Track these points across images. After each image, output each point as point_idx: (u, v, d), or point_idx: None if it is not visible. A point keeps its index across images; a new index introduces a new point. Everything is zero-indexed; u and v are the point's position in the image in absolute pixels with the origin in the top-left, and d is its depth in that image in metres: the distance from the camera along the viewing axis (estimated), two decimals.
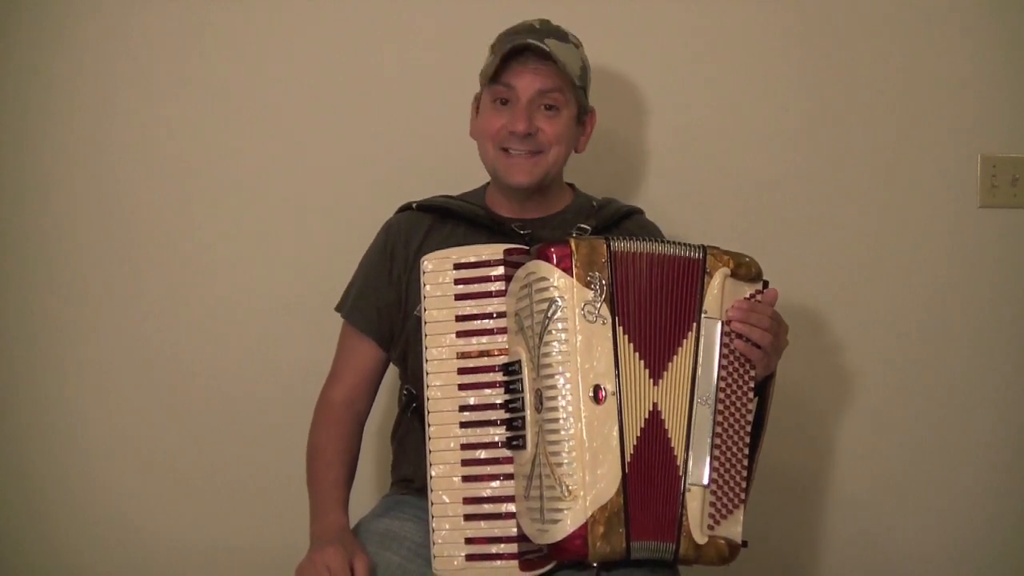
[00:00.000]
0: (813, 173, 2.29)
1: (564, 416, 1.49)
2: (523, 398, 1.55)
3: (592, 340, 1.51)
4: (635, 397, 1.52)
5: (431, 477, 1.59)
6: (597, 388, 1.50)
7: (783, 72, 2.28)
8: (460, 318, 1.61)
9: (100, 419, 2.24)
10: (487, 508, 1.57)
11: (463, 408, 1.60)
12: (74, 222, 2.23)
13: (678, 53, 2.28)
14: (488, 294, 1.61)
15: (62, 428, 2.24)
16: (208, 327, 2.24)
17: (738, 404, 1.57)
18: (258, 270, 2.24)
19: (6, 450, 2.23)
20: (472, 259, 1.62)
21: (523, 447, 1.54)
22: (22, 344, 2.23)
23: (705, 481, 1.53)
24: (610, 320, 1.52)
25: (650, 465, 1.52)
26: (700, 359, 1.55)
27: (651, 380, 1.53)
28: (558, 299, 1.51)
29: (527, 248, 1.60)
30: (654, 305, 1.55)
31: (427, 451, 1.60)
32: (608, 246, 1.54)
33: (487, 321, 1.60)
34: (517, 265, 1.58)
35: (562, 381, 1.50)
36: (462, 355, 1.61)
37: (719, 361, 1.56)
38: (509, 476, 1.57)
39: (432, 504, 1.59)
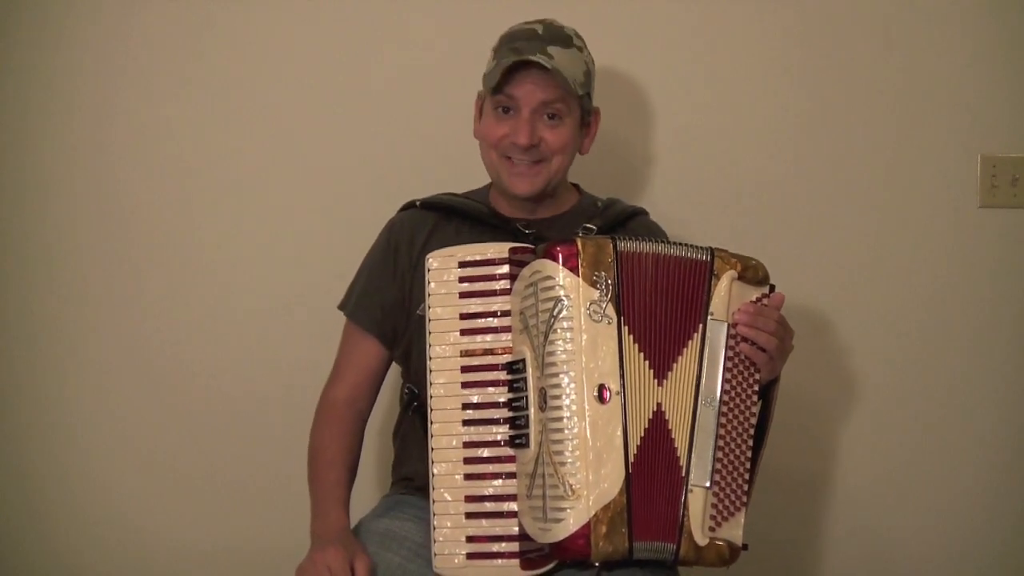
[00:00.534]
0: (813, 173, 2.29)
1: (568, 415, 1.49)
2: (527, 397, 1.54)
3: (597, 339, 1.50)
4: (639, 397, 1.52)
5: (433, 475, 1.59)
6: (602, 387, 1.50)
7: (783, 72, 2.28)
8: (464, 316, 1.61)
9: (100, 419, 2.24)
10: (489, 507, 1.57)
11: (466, 406, 1.60)
12: (74, 222, 2.23)
13: (677, 53, 2.27)
14: (493, 292, 1.60)
15: (62, 428, 2.24)
16: (208, 327, 2.24)
17: (742, 407, 1.57)
18: (258, 270, 2.24)
19: (6, 450, 2.24)
20: (477, 257, 1.62)
21: (526, 446, 1.54)
22: (22, 344, 2.23)
23: (707, 483, 1.53)
24: (615, 320, 1.51)
25: (653, 465, 1.51)
26: (705, 361, 1.55)
27: (656, 380, 1.53)
28: (564, 298, 1.51)
29: (532, 247, 1.60)
30: (660, 306, 1.55)
31: (429, 448, 1.60)
32: (614, 246, 1.54)
33: (491, 319, 1.60)
34: (522, 264, 1.58)
35: (566, 380, 1.50)
36: (466, 353, 1.60)
37: (724, 364, 1.56)
38: (511, 475, 1.57)
39: (434, 502, 1.58)
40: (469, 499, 1.57)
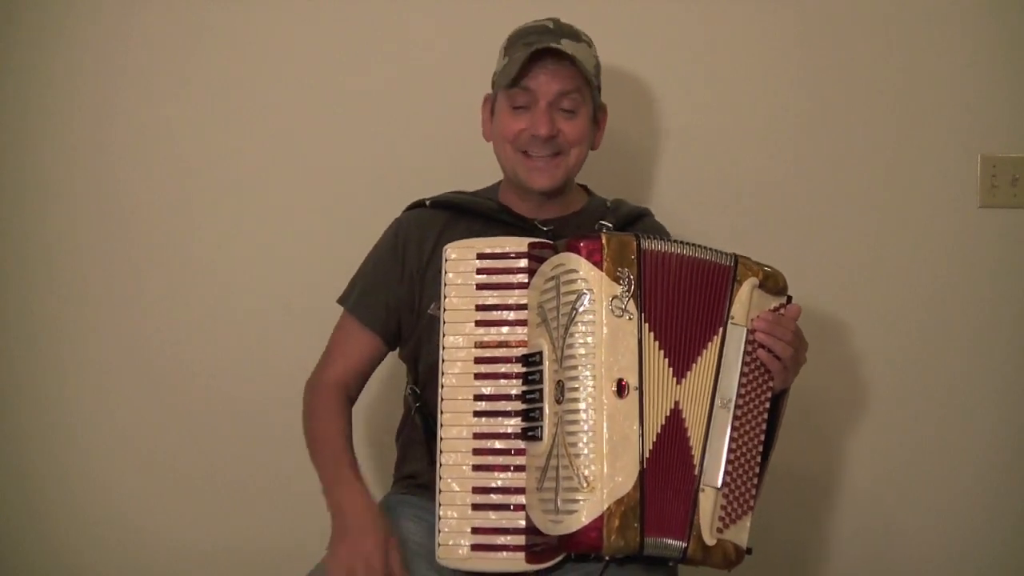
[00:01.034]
0: (813, 173, 2.29)
1: (585, 407, 1.49)
2: (542, 389, 1.54)
3: (618, 334, 1.51)
4: (657, 393, 1.52)
5: (440, 465, 1.58)
6: (620, 381, 1.50)
7: (783, 72, 2.28)
8: (480, 308, 1.61)
9: (100, 419, 2.24)
10: (495, 499, 1.56)
11: (478, 398, 1.59)
12: (74, 222, 2.23)
13: (678, 53, 2.28)
14: (510, 286, 1.60)
15: (62, 428, 2.24)
16: (208, 327, 2.24)
17: (754, 413, 1.57)
18: (258, 270, 2.24)
19: (6, 450, 2.23)
20: (496, 250, 1.62)
21: (539, 438, 1.54)
22: (22, 344, 2.23)
23: (719, 483, 1.53)
24: (636, 316, 1.52)
25: (668, 462, 1.51)
26: (723, 363, 1.56)
27: (674, 378, 1.54)
28: (586, 291, 1.51)
29: (551, 243, 1.60)
30: (681, 306, 1.55)
31: (438, 439, 1.59)
32: (638, 244, 1.54)
33: (507, 312, 1.60)
34: (540, 259, 1.58)
35: (586, 372, 1.50)
36: (480, 344, 1.60)
37: (741, 368, 1.56)
38: (520, 468, 1.56)
39: (440, 492, 1.57)
40: (476, 490, 1.57)
